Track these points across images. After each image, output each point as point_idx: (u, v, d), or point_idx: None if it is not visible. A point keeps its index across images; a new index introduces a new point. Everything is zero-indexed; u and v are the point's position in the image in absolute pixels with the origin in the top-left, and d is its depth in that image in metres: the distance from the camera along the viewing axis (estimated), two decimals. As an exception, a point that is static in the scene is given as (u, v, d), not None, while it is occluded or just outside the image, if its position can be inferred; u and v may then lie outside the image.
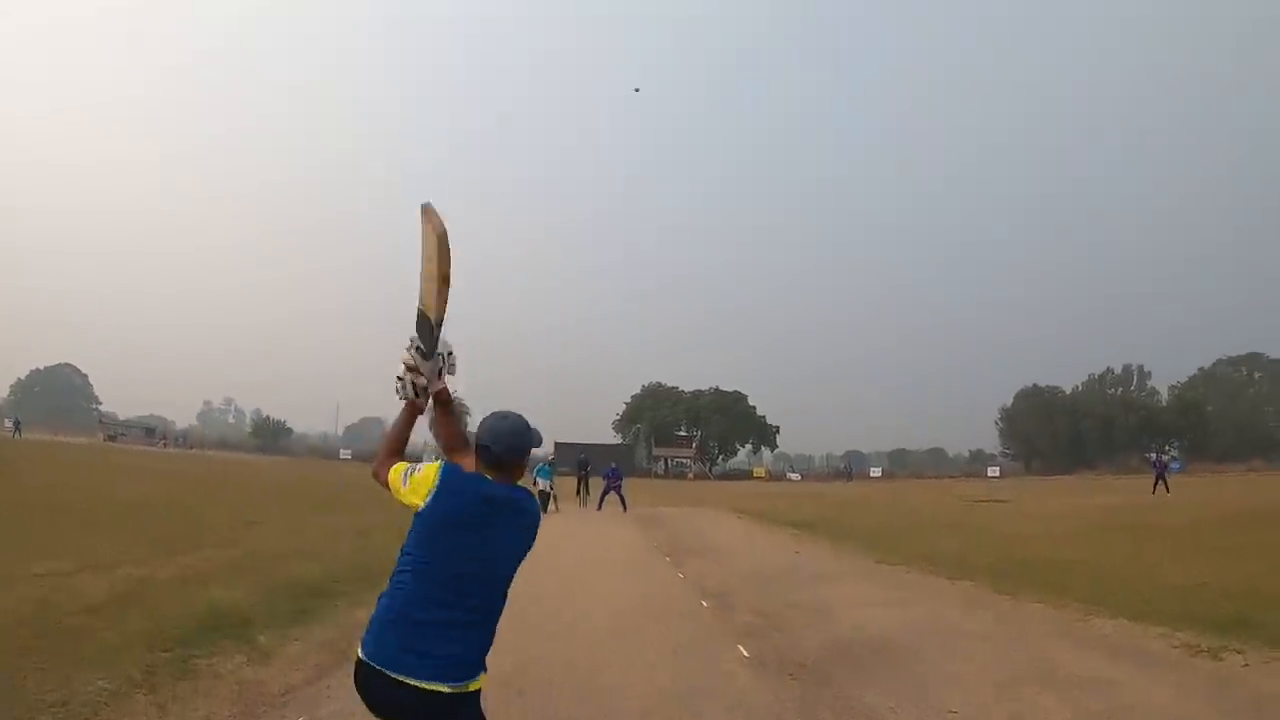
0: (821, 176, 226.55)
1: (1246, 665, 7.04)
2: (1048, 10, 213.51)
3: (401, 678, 2.67)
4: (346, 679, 3.40)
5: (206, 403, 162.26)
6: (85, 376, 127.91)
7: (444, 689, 2.69)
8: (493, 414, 3.04)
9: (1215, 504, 25.97)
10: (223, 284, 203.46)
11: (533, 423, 3.05)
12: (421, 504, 2.83)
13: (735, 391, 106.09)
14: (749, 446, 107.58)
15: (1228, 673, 6.87)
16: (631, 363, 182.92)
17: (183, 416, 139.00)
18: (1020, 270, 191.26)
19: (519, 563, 2.98)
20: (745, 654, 7.55)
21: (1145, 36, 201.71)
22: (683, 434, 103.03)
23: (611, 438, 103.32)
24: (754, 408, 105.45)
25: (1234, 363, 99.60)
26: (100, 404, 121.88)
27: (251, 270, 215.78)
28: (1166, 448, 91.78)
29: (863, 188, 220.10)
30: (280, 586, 9.77)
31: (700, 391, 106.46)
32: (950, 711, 5.88)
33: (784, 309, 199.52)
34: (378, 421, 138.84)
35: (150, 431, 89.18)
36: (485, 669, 2.88)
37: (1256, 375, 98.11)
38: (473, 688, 2.80)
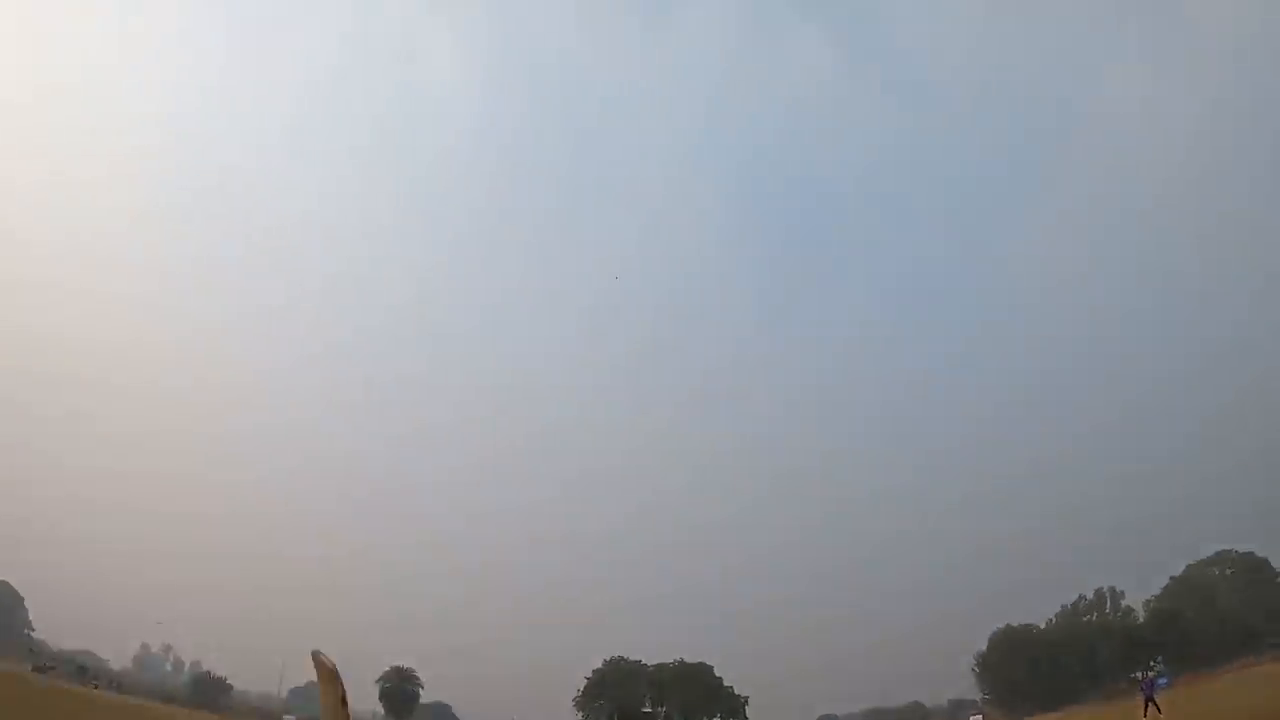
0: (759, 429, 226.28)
1: None
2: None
3: None
4: None
5: (144, 646, 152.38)
6: (21, 599, 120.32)
7: None
8: None
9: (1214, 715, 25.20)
10: (175, 535, 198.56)
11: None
12: None
13: (700, 662, 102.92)
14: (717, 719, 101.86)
15: None
16: (590, 637, 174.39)
17: (117, 656, 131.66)
18: (979, 510, 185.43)
19: None
20: None
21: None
22: (648, 710, 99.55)
23: (573, 716, 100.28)
24: (720, 679, 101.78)
25: (1204, 564, 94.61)
26: (33, 630, 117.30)
27: (202, 522, 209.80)
28: (1152, 664, 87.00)
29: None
30: None
31: (664, 664, 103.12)
32: None
33: (744, 574, 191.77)
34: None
35: (83, 669, 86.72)
36: None
37: (1229, 572, 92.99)
38: None
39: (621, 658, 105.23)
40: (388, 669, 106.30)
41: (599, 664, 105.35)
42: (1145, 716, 32.42)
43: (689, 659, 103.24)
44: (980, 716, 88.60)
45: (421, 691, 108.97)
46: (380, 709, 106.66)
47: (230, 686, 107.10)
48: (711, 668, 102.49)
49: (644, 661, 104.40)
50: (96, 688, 74.07)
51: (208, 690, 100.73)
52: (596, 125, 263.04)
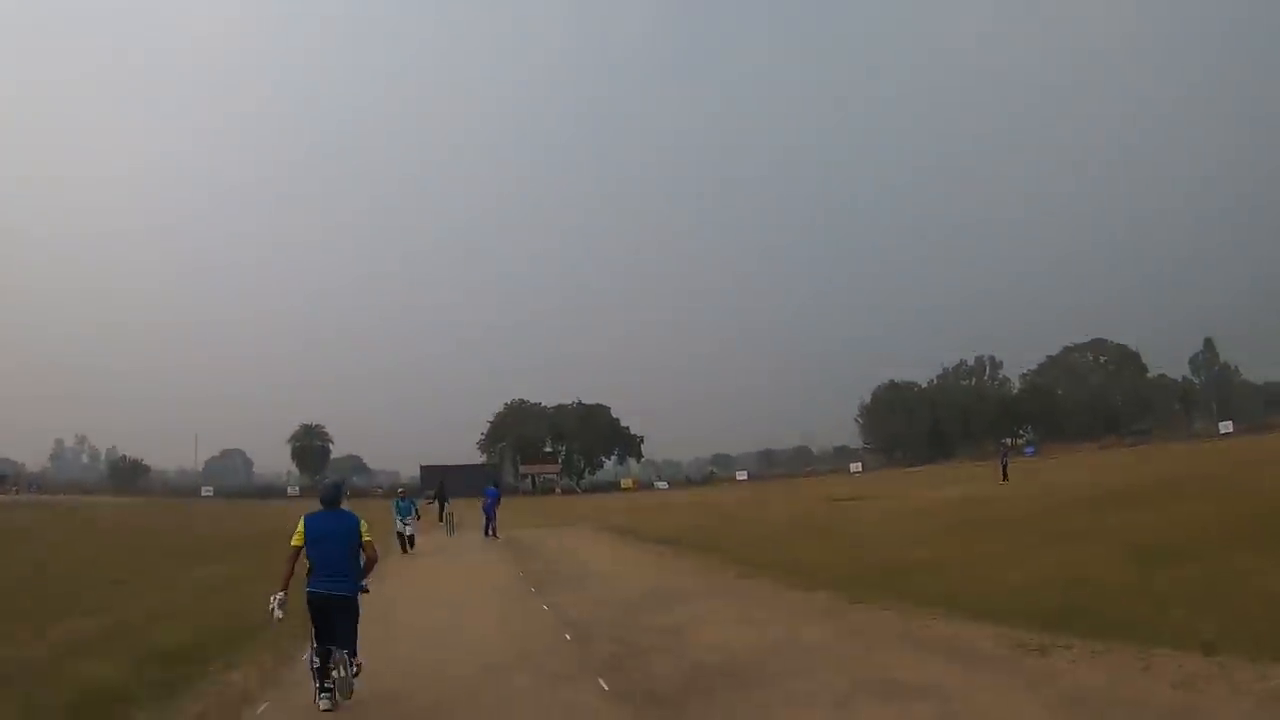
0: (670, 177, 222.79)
1: (1074, 661, 7.05)
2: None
3: (321, 590, 6.80)
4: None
5: (58, 442, 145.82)
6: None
7: (334, 593, 6.81)
8: (319, 482, 9.16)
9: (1060, 487, 26.18)
10: (73, 312, 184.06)
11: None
12: (302, 541, 6.97)
13: (598, 404, 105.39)
14: (615, 458, 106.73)
15: (1054, 669, 6.91)
16: (494, 380, 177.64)
17: (33, 458, 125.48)
18: (876, 269, 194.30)
19: (352, 538, 7.06)
20: (605, 687, 7.48)
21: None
22: (548, 450, 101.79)
23: (477, 457, 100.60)
24: (617, 419, 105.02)
25: (1079, 349, 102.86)
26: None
27: (100, 291, 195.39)
28: (1020, 433, 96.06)
29: (712, 208, 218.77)
30: (153, 656, 9.15)
31: (563, 405, 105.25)
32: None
33: (644, 319, 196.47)
34: (239, 453, 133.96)
35: (1, 479, 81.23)
36: (358, 587, 7.15)
37: (1102, 359, 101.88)
38: (345, 593, 6.92)
39: (522, 400, 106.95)
40: (297, 428, 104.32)
41: (500, 408, 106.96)
42: (1006, 479, 34.91)
43: (587, 401, 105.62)
44: (860, 465, 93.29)
45: (332, 447, 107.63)
46: (294, 468, 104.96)
47: (148, 467, 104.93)
48: (608, 409, 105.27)
49: (544, 404, 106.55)
50: (18, 493, 68.15)
51: (126, 474, 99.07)
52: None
